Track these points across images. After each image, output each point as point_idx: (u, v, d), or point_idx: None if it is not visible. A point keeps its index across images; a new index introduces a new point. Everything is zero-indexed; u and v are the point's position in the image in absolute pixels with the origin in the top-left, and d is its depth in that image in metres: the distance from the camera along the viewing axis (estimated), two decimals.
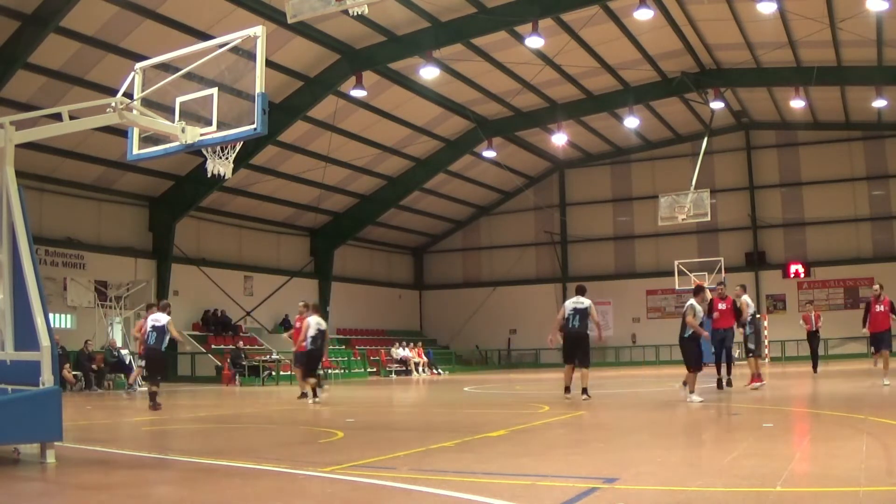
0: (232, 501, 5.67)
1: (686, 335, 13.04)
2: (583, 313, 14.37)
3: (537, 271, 43.34)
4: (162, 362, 15.33)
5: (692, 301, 13.18)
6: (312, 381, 16.17)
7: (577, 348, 14.52)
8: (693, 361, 12.96)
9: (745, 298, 16.18)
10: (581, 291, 14.86)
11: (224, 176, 8.95)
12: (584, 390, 14.17)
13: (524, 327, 42.67)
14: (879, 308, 15.73)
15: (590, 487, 5.55)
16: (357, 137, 31.22)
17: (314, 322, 15.86)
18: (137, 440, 10.05)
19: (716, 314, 15.53)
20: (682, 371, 13.40)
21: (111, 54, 21.69)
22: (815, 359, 21.49)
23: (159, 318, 14.52)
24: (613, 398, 15.56)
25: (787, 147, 38.50)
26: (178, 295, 30.42)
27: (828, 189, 37.53)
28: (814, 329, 21.60)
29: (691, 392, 12.80)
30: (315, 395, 15.88)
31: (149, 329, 14.55)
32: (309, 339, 15.74)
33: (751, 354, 16.15)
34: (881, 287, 16.15)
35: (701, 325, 13.26)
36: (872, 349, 16.34)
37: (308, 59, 25.71)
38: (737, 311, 15.58)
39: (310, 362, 16.17)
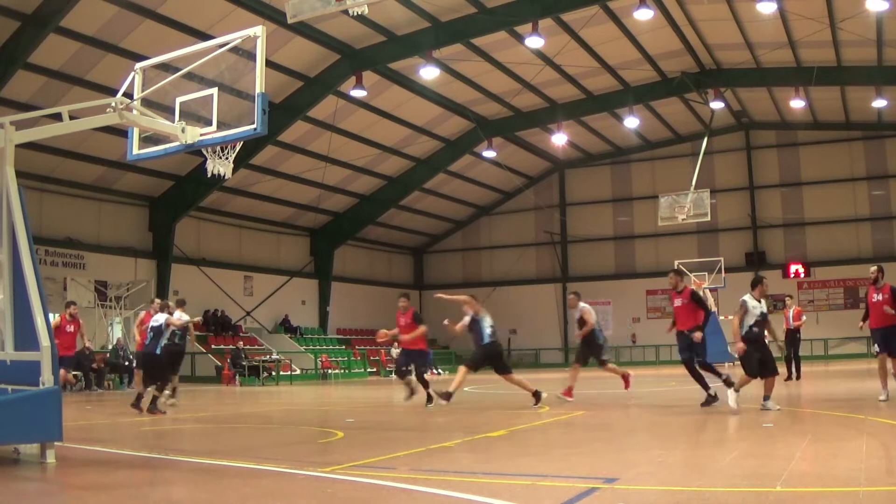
0: (232, 501, 5.67)
1: (744, 334, 10.77)
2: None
3: (537, 271, 43.36)
4: (156, 365, 14.16)
5: (746, 297, 10.94)
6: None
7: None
8: (750, 368, 10.74)
9: (584, 306, 14.32)
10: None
11: (224, 176, 8.95)
12: (447, 394, 13.40)
13: (524, 327, 42.68)
14: (878, 297, 11.95)
15: (590, 487, 5.55)
16: (357, 137, 31.23)
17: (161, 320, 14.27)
18: (137, 440, 10.04)
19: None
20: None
21: (111, 54, 21.70)
22: (791, 363, 18.20)
23: (157, 318, 14.03)
24: (613, 398, 15.54)
25: (787, 147, 38.52)
26: (178, 295, 30.40)
27: (828, 189, 37.55)
28: (791, 327, 18.41)
29: (736, 390, 10.82)
30: (139, 402, 13.77)
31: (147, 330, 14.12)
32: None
33: (578, 363, 14.54)
34: (879, 270, 12.21)
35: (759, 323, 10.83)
36: (876, 348, 12.19)
37: (308, 59, 25.71)
38: (699, 303, 12.31)
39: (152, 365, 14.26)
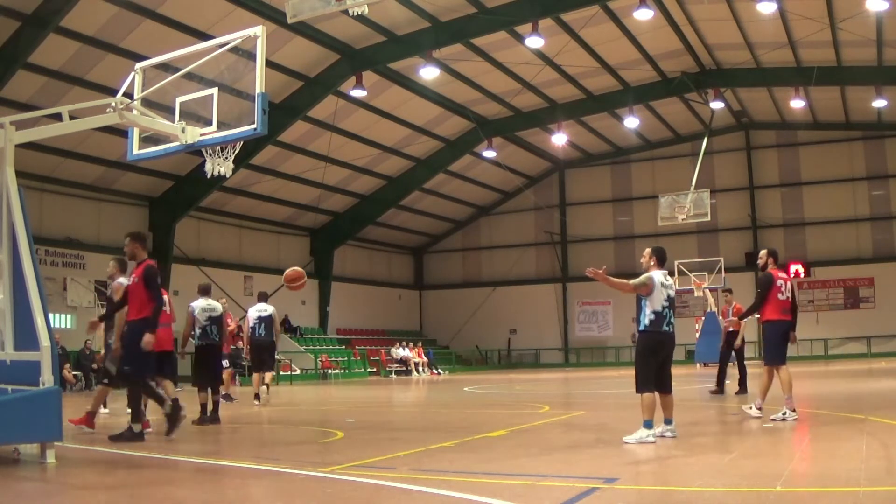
0: (232, 501, 5.67)
1: (642, 328, 8.15)
2: (267, 321, 14.84)
3: (537, 271, 43.37)
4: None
5: (654, 272, 8.05)
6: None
7: (264, 355, 15.18)
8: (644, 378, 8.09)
9: (122, 281, 9.42)
10: (263, 298, 15.24)
11: (225, 175, 8.95)
12: (257, 395, 14.89)
13: (524, 327, 42.72)
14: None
15: (590, 487, 5.55)
16: (357, 137, 31.23)
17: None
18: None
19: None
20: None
21: (111, 54, 21.69)
22: (723, 372, 14.36)
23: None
24: (613, 398, 15.54)
25: (787, 147, 38.53)
26: (178, 295, 30.34)
27: (828, 189, 37.55)
28: (730, 329, 14.34)
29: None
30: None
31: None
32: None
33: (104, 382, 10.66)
34: (769, 255, 10.14)
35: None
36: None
37: (308, 59, 25.71)
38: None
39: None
